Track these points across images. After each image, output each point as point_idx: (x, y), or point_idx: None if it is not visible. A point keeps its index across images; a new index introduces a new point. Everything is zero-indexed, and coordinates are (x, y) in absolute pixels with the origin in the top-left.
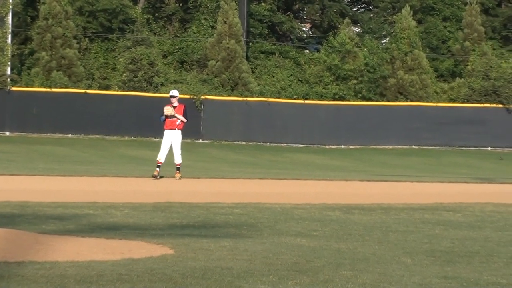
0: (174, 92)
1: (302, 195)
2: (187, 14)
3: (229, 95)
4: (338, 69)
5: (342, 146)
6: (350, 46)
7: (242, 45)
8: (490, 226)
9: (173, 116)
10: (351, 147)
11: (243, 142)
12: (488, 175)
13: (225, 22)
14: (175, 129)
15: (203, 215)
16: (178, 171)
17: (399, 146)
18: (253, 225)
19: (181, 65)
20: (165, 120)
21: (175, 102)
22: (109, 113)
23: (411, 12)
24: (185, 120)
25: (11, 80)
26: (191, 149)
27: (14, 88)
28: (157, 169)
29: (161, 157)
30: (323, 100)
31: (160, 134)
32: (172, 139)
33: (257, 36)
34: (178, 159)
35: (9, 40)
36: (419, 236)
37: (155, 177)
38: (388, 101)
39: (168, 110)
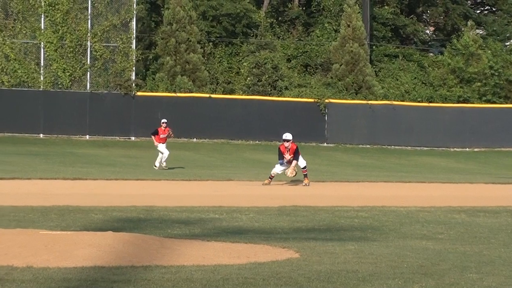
0: (288, 136)
1: (427, 198)
2: (311, 18)
3: (353, 99)
4: (462, 71)
5: (467, 149)
6: (474, 48)
7: (366, 48)
8: None
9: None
10: (475, 149)
11: (368, 146)
12: None
13: (348, 26)
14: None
15: (328, 219)
16: (306, 177)
17: None
18: (378, 228)
19: (305, 69)
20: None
21: (289, 145)
22: (233, 117)
23: None
24: (299, 161)
25: (136, 85)
26: (316, 152)
27: (139, 93)
28: (270, 179)
29: (275, 172)
30: (448, 102)
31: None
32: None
33: (381, 39)
34: (302, 164)
35: (133, 46)
36: None
37: (266, 185)
38: None
39: (288, 173)
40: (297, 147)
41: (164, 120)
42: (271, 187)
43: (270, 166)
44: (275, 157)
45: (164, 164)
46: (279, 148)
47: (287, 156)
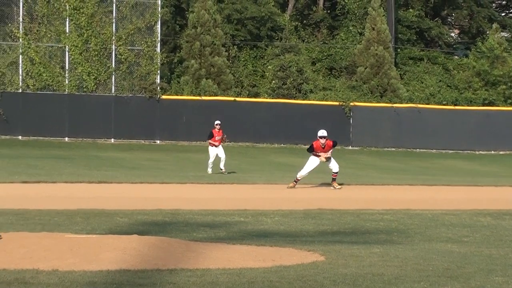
0: (324, 133)
1: (452, 201)
2: (335, 21)
3: (378, 102)
4: (487, 74)
5: (492, 152)
6: (499, 51)
7: (391, 51)
8: None
9: (329, 158)
10: (501, 152)
11: (393, 149)
12: None
13: (373, 29)
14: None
15: (353, 222)
16: (334, 181)
17: None
18: (404, 231)
19: (329, 72)
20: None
21: (324, 142)
22: (258, 120)
23: None
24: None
25: (160, 88)
26: (341, 155)
27: (163, 97)
28: (295, 182)
29: (302, 175)
30: (473, 105)
31: (308, 141)
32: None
33: (405, 42)
34: (335, 168)
35: (158, 49)
36: None
37: (291, 188)
38: None
39: (322, 159)
40: (333, 142)
41: (217, 122)
42: (296, 190)
43: (295, 169)
44: (301, 161)
45: (210, 170)
46: (312, 144)
47: (323, 155)
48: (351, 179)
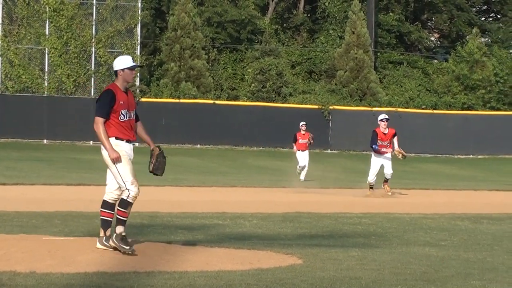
0: (386, 116)
1: (431, 205)
2: (315, 25)
3: (357, 105)
4: (466, 78)
5: (471, 156)
6: (479, 55)
7: (370, 55)
8: None
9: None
10: (479, 156)
11: (371, 152)
12: None
13: (353, 32)
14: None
15: (331, 225)
16: (386, 183)
17: None
18: (382, 235)
19: (309, 75)
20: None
21: (386, 126)
22: (237, 123)
23: None
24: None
25: (140, 91)
26: (320, 159)
27: (143, 99)
28: (371, 189)
29: (373, 180)
30: (452, 109)
31: (287, 144)
32: (383, 161)
33: (385, 46)
34: (389, 172)
35: (138, 52)
36: None
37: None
38: None
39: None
40: (395, 132)
41: (302, 123)
42: (275, 194)
43: (274, 172)
44: (280, 164)
45: (302, 177)
46: (375, 131)
47: (386, 145)
48: (329, 182)
